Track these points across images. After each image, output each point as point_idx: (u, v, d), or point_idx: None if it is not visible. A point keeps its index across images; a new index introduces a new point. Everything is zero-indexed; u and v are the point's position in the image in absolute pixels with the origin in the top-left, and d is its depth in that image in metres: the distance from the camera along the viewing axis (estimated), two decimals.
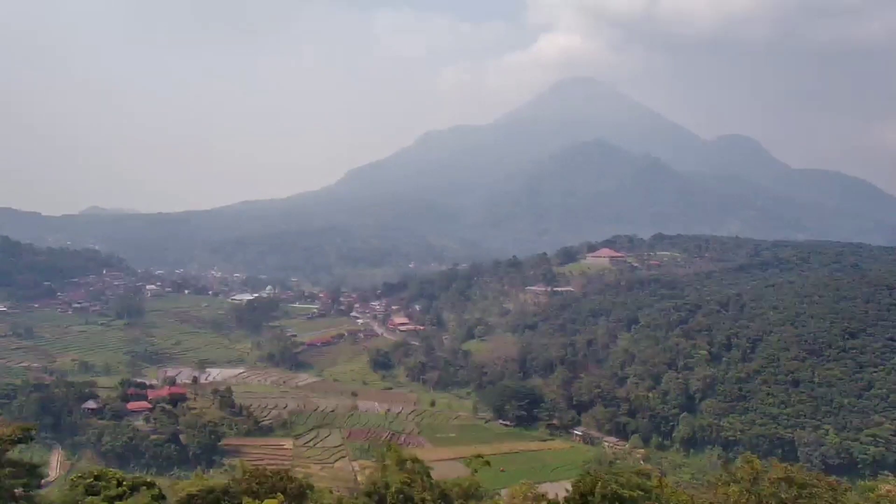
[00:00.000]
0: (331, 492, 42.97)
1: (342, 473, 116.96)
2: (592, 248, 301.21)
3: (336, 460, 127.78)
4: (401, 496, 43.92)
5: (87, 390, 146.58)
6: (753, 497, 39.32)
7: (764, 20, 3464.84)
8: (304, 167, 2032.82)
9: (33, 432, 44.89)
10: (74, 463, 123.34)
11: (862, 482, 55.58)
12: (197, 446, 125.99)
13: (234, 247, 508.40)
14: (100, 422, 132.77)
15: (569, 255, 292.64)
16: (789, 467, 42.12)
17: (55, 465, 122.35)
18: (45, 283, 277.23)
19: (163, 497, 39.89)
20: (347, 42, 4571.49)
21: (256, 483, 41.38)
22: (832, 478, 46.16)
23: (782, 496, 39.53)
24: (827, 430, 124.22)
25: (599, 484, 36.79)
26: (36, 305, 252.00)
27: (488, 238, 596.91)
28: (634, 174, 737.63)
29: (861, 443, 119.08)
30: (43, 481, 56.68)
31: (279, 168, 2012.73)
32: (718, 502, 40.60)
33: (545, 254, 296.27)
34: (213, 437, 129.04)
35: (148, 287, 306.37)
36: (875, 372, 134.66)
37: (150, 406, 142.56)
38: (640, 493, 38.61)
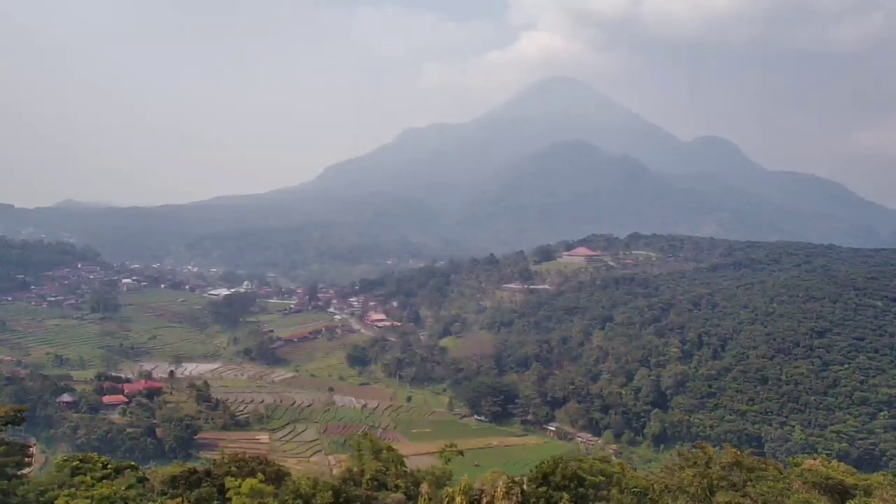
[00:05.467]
0: (308, 478, 44.37)
1: (318, 467, 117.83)
2: (569, 246, 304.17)
3: (312, 454, 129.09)
4: (375, 483, 45.50)
5: (62, 384, 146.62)
6: (706, 480, 41.59)
7: (743, 24, 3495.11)
8: (283, 163, 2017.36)
9: (25, 413, 45.71)
10: (49, 456, 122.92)
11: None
12: (173, 440, 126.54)
13: (211, 242, 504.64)
14: (75, 415, 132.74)
15: (546, 254, 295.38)
16: (739, 453, 44.58)
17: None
18: (19, 276, 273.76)
19: (146, 479, 41.08)
20: (329, 38, 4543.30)
21: (236, 466, 42.81)
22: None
23: (733, 479, 41.91)
24: (793, 427, 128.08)
25: (561, 465, 38.72)
26: (9, 299, 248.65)
27: (468, 236, 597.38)
28: (613, 174, 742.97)
29: (826, 439, 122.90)
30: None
31: (257, 164, 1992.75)
32: (674, 485, 42.71)
33: (522, 252, 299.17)
34: (189, 430, 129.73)
35: (123, 281, 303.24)
36: (840, 370, 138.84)
37: (126, 400, 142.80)
38: (602, 478, 40.66)
